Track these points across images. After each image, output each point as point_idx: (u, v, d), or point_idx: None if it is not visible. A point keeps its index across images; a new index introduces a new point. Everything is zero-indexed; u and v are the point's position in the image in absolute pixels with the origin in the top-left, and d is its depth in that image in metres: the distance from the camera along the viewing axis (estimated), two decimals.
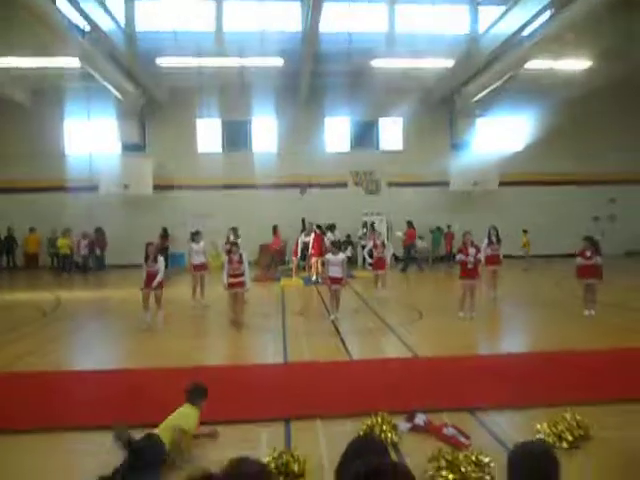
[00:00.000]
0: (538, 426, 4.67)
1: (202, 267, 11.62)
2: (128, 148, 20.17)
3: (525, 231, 18.81)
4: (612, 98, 20.13)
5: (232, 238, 11.93)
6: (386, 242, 12.54)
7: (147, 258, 9.54)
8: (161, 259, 9.70)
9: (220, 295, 10.77)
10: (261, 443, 4.77)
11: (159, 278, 9.53)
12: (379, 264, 12.12)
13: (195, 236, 11.67)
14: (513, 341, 9.14)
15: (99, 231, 19.50)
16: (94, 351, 8.39)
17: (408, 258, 18.66)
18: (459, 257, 10.17)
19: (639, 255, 21.09)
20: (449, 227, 20.43)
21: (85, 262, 19.14)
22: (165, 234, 19.10)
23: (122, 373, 6.91)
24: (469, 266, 10.00)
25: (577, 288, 10.54)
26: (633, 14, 15.08)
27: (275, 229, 16.75)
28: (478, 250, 10.30)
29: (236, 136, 21.07)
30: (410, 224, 18.67)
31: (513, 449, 2.25)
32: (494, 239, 11.86)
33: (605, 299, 10.46)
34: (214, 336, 9.38)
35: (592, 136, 21.10)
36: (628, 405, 5.34)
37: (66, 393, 6.02)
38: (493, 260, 11.79)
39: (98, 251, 19.43)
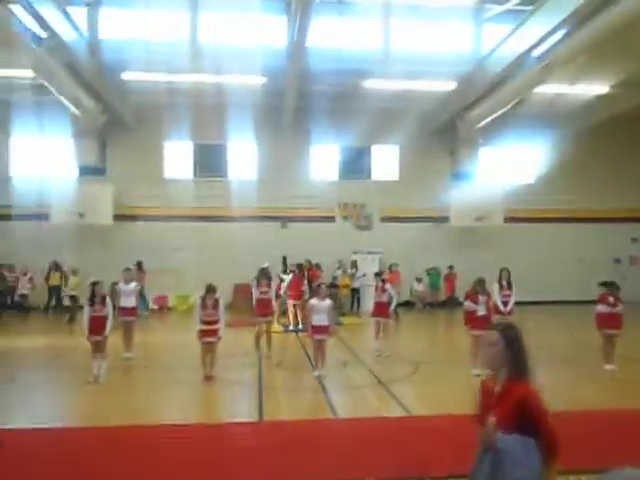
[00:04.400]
0: None
1: (131, 312, 11.34)
2: (85, 172, 20.09)
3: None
4: (636, 126, 20.72)
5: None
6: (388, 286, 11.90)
7: (93, 300, 9.39)
8: (109, 301, 9.57)
9: (184, 342, 10.60)
10: None
11: (110, 324, 9.43)
12: (380, 310, 11.74)
13: (125, 274, 11.48)
14: None
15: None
16: (33, 407, 8.12)
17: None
18: (467, 304, 10.16)
19: None
20: (451, 268, 20.55)
21: (24, 302, 18.80)
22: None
23: (68, 432, 6.69)
24: (479, 314, 9.98)
25: (595, 339, 10.58)
26: None
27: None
28: (489, 297, 10.32)
29: (210, 161, 21.18)
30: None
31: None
32: (505, 283, 11.87)
33: (624, 352, 10.50)
34: (176, 390, 9.16)
35: (612, 168, 21.62)
36: None
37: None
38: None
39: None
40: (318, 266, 18.62)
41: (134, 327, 11.41)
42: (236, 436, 6.65)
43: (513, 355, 3.15)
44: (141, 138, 20.27)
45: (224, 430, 6.97)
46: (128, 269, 11.65)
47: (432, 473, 5.39)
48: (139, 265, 18.47)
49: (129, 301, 11.30)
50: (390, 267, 16.48)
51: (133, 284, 11.49)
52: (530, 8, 14.62)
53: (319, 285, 11.08)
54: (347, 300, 19.67)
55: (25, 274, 18.79)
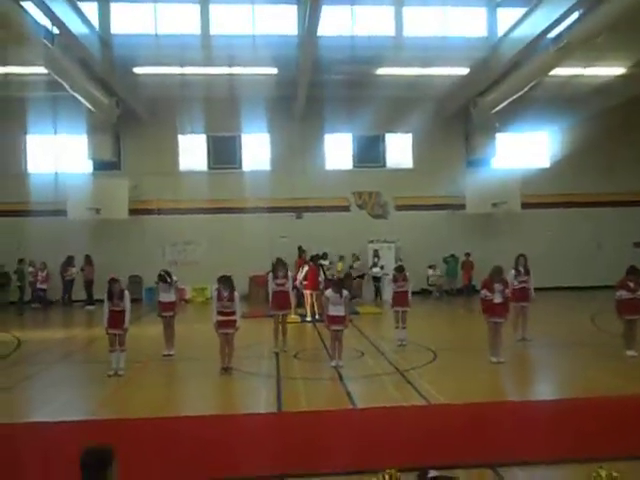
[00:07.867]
0: None
1: (169, 306, 11.02)
2: (100, 167, 20.32)
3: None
4: None
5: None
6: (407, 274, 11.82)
7: (111, 295, 9.56)
8: (127, 295, 9.67)
9: (201, 335, 10.70)
10: None
11: (128, 318, 9.56)
12: (401, 300, 11.65)
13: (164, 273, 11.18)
14: (541, 388, 9.07)
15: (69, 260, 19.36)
16: (56, 400, 8.25)
17: None
18: (483, 293, 10.12)
19: None
20: (467, 255, 20.44)
21: (43, 296, 19.03)
22: None
23: (87, 424, 6.80)
24: (496, 301, 9.94)
25: (617, 325, 10.49)
26: None
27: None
28: (506, 285, 10.22)
29: (224, 153, 21.26)
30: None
31: None
32: (522, 269, 11.76)
33: None
34: (195, 382, 9.27)
35: (630, 151, 21.30)
36: None
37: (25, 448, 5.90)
38: (522, 295, 11.53)
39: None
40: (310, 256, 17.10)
41: (173, 323, 11.05)
42: (255, 427, 6.70)
43: None
44: (155, 131, 20.39)
45: (243, 421, 7.00)
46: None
47: (451, 462, 5.39)
48: (87, 259, 19.22)
49: (167, 296, 11.06)
50: None
51: (173, 277, 11.19)
52: None
53: (334, 277, 11.13)
54: (368, 290, 19.82)
55: (43, 269, 19.05)
